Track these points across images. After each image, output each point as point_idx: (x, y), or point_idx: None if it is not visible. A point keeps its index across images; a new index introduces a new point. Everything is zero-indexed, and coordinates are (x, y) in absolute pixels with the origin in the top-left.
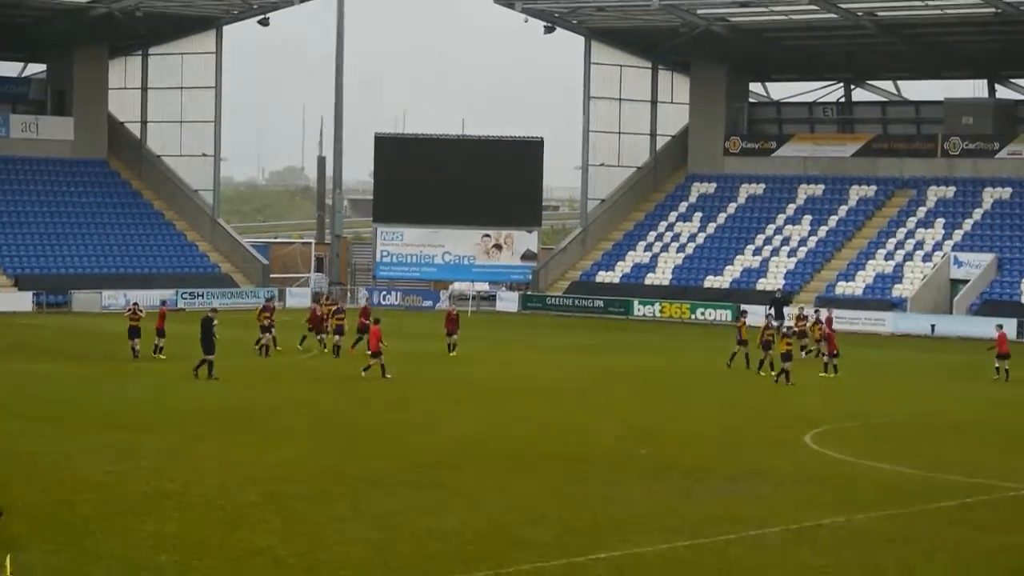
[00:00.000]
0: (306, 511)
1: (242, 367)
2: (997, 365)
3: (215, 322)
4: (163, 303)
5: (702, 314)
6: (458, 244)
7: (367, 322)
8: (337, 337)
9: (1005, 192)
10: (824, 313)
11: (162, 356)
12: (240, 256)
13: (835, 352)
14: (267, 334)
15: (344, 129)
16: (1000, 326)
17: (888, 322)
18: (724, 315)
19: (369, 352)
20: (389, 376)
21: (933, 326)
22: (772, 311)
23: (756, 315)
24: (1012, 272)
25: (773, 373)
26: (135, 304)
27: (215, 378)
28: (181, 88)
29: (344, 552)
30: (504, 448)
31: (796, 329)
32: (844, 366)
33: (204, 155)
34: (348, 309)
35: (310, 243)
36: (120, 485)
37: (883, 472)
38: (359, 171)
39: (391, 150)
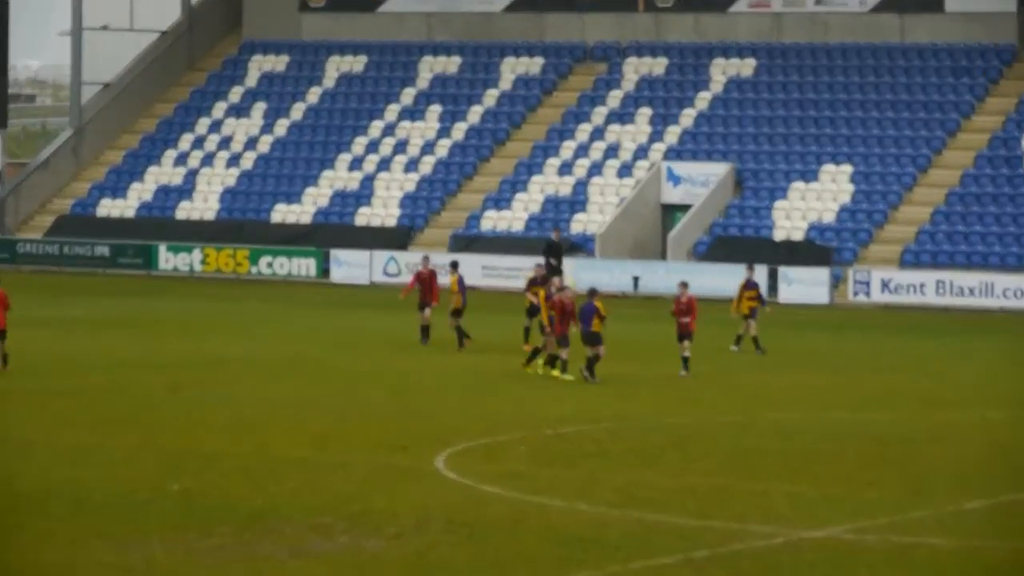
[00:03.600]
0: None
1: None
2: (684, 353)
3: None
4: None
5: (270, 265)
6: None
7: None
8: None
9: (745, 66)
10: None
11: None
12: None
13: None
14: None
15: None
16: (684, 284)
17: (566, 273)
18: (306, 266)
19: None
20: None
21: (637, 279)
22: (552, 261)
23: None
24: (759, 192)
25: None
26: None
27: None
28: None
29: None
30: None
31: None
32: (494, 345)
33: None
34: None
35: None
36: None
37: (556, 512)
38: None
39: None
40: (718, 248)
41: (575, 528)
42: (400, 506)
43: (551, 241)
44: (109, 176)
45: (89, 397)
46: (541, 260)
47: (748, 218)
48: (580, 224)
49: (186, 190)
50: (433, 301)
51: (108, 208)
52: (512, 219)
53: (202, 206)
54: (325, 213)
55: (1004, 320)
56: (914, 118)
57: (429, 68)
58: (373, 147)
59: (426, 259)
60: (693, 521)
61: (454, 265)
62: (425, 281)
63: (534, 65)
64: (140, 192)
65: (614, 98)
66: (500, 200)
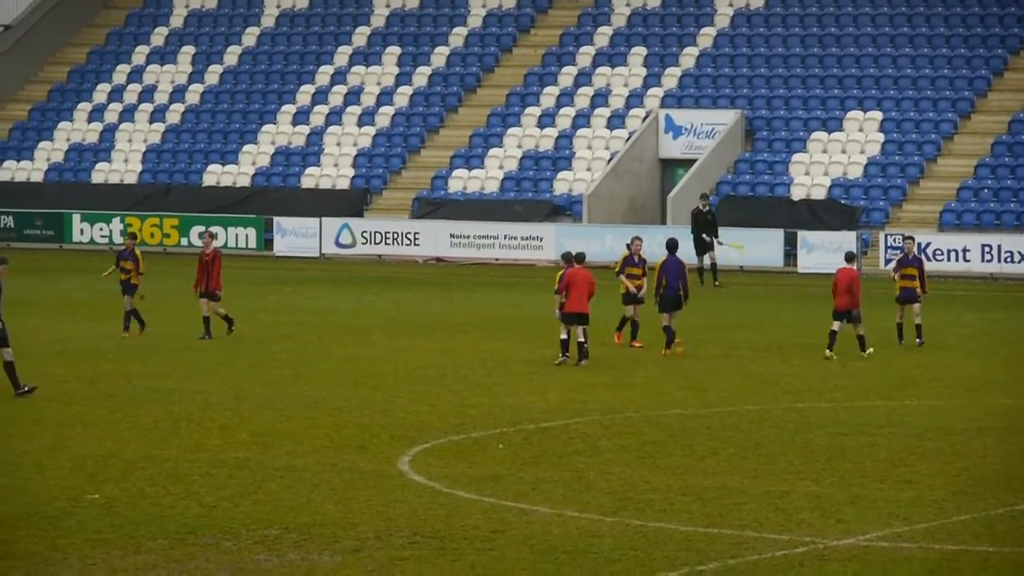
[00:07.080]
0: None
1: None
2: (835, 328)
3: None
4: None
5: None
6: None
7: None
8: None
9: None
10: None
11: None
12: None
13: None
14: None
15: None
16: (852, 255)
17: (548, 240)
18: (245, 236)
19: None
20: None
21: None
22: (705, 236)
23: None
24: (774, 144)
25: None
26: None
27: None
28: None
29: None
30: None
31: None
32: (465, 327)
33: None
34: None
35: None
36: None
37: (541, 520)
38: None
39: None
40: (726, 210)
41: (563, 538)
42: (358, 515)
43: (699, 211)
44: (13, 134)
45: None
46: (638, 233)
47: (761, 174)
48: (565, 184)
49: (103, 150)
50: (216, 288)
51: (12, 171)
52: (485, 179)
53: (122, 168)
54: (266, 175)
55: None
56: (954, 55)
57: (385, 3)
58: (321, 97)
59: (209, 234)
60: (700, 529)
61: (132, 236)
62: (205, 264)
63: (506, 0)
64: (50, 152)
65: (602, 36)
66: (471, 157)
